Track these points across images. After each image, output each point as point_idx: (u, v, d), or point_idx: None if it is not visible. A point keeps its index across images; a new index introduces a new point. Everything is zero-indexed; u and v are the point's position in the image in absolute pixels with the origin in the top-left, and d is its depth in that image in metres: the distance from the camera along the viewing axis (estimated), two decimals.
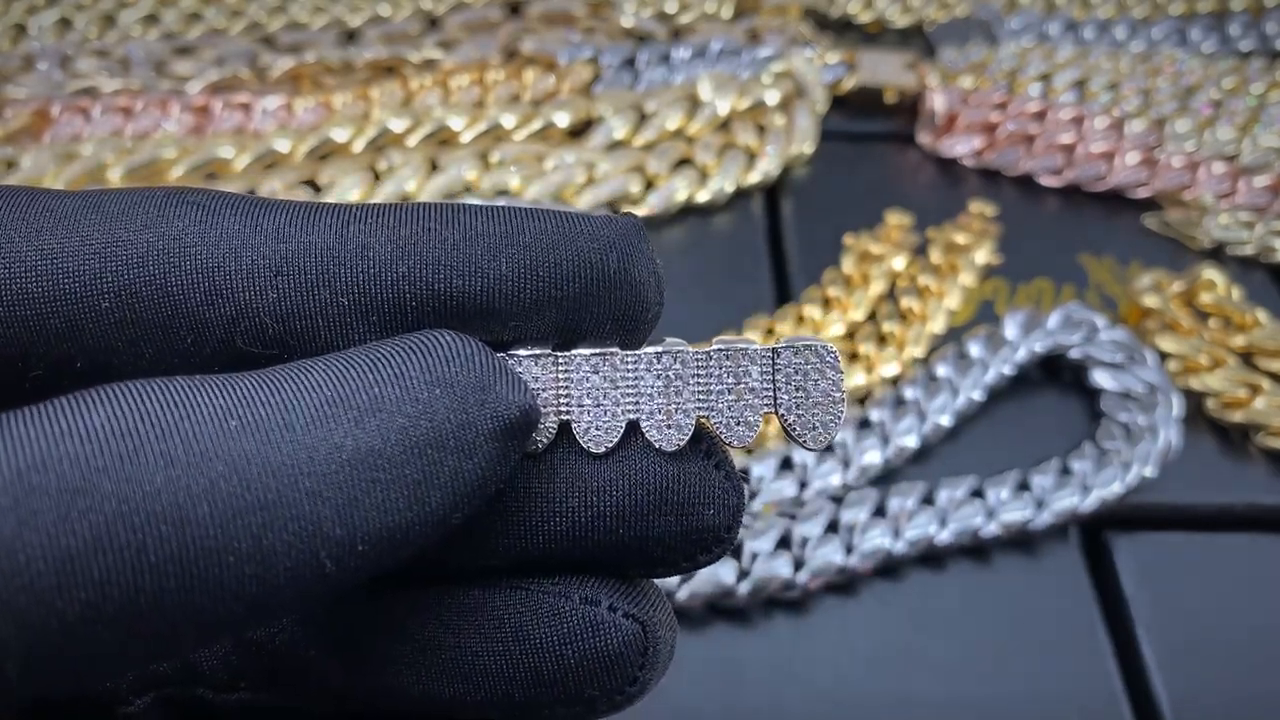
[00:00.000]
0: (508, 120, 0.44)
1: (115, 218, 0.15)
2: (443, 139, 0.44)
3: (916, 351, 0.39)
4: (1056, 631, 0.34)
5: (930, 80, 0.48)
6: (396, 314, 0.15)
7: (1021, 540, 0.36)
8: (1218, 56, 0.52)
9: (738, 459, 0.36)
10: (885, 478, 0.37)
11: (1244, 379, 0.39)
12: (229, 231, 0.15)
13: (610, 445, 0.15)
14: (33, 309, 0.14)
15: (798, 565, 0.33)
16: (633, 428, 0.16)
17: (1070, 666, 0.33)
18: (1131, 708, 0.33)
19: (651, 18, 0.50)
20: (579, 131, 0.46)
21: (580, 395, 0.15)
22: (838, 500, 0.35)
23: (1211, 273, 0.41)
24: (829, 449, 0.36)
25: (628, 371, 0.16)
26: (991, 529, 0.35)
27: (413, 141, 0.44)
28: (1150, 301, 0.41)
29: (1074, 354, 0.39)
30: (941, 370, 0.38)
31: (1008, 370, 0.38)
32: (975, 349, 0.39)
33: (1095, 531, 0.36)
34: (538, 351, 0.15)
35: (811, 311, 0.41)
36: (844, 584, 0.35)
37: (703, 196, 0.44)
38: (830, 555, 0.34)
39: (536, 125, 0.45)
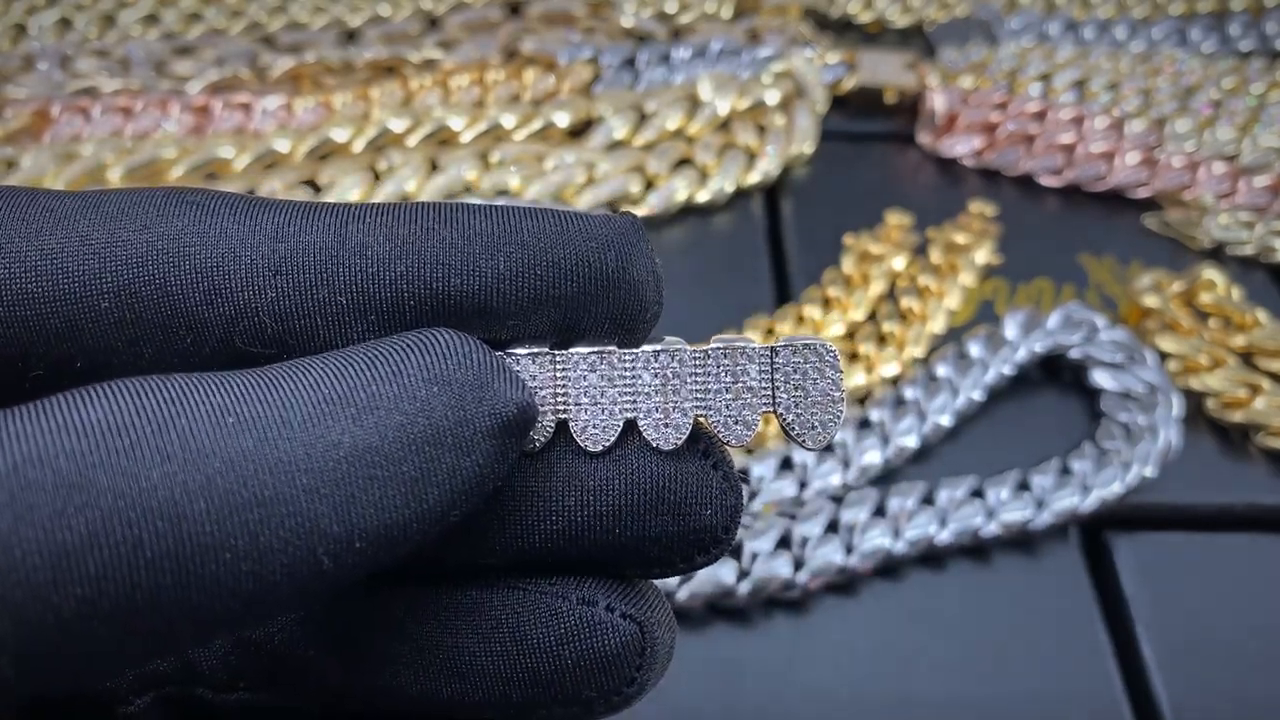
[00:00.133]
0: (508, 120, 0.44)
1: (115, 218, 0.15)
2: (443, 139, 0.44)
3: (916, 351, 0.39)
4: (1057, 631, 0.34)
5: (930, 80, 0.48)
6: (395, 313, 0.15)
7: (1021, 540, 0.36)
8: (1218, 56, 0.52)
9: (737, 459, 0.36)
10: (885, 478, 0.37)
11: (1244, 379, 0.38)
12: (228, 231, 0.15)
13: (607, 444, 0.15)
14: (33, 309, 0.14)
15: (798, 565, 0.33)
16: (630, 427, 0.16)
17: (1070, 666, 0.33)
18: (1131, 708, 0.33)
19: (651, 18, 0.50)
20: (579, 131, 0.46)
21: (578, 394, 0.15)
22: (838, 500, 0.35)
23: (1211, 273, 0.41)
24: (828, 449, 0.36)
25: (625, 370, 0.15)
26: (991, 529, 0.35)
27: (413, 141, 0.44)
28: (1150, 301, 0.41)
29: (1074, 354, 0.39)
30: (941, 370, 0.38)
31: (1008, 370, 0.38)
32: (975, 349, 0.39)
33: (1095, 531, 0.36)
34: (535, 350, 0.15)
35: (811, 311, 0.41)
36: (844, 584, 0.35)
37: (703, 196, 0.44)
38: (830, 555, 0.34)
39: (536, 125, 0.45)
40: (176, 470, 0.12)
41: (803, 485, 0.36)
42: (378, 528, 0.13)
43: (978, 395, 0.38)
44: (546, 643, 0.16)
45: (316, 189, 0.43)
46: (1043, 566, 0.35)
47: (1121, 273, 0.43)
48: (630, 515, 0.15)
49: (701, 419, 0.16)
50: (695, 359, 0.16)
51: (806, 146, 0.46)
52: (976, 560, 0.35)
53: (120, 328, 0.15)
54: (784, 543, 0.34)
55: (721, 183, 0.44)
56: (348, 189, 0.42)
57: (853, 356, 0.39)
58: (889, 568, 0.35)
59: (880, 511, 0.35)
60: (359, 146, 0.43)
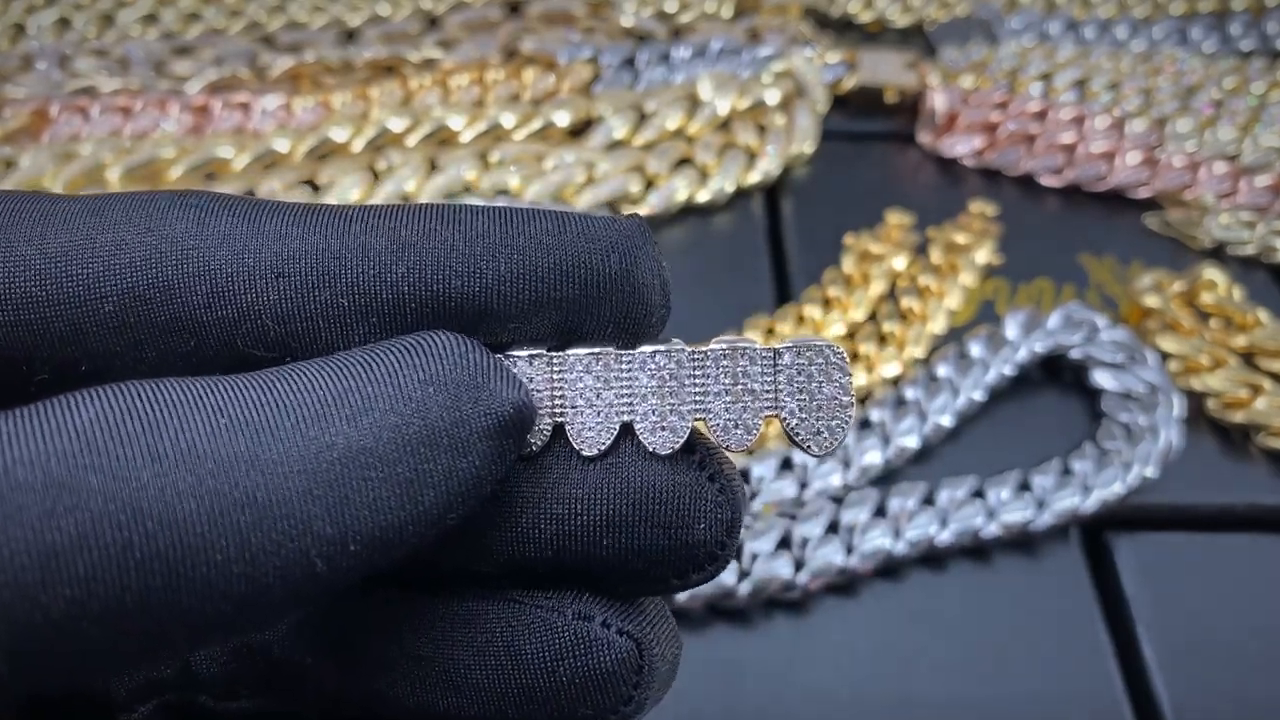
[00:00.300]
0: (507, 120, 0.44)
1: (118, 222, 0.15)
2: (442, 139, 0.44)
3: (917, 351, 0.39)
4: (1057, 632, 0.34)
5: (931, 80, 0.48)
6: (396, 315, 0.15)
7: (1022, 541, 0.36)
8: (1219, 56, 0.52)
9: (738, 460, 0.36)
10: (886, 478, 0.36)
11: (1245, 379, 0.38)
12: (231, 234, 0.15)
13: (603, 447, 0.15)
14: (37, 313, 0.14)
15: (798, 566, 0.33)
16: (628, 431, 0.15)
17: (1071, 667, 0.33)
18: (1132, 708, 0.33)
19: (651, 17, 0.50)
20: (579, 131, 0.46)
21: (574, 396, 0.15)
22: (838, 500, 0.35)
23: (1212, 273, 0.41)
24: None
25: (621, 371, 0.15)
26: (992, 529, 0.35)
27: (412, 141, 0.44)
28: (1151, 301, 0.40)
29: (1075, 354, 0.39)
30: (942, 370, 0.38)
31: (1008, 370, 0.38)
32: (976, 349, 0.38)
33: (1096, 532, 0.36)
34: (533, 352, 0.15)
35: (812, 311, 0.40)
36: (844, 584, 0.35)
37: (703, 196, 0.44)
38: (830, 556, 0.34)
39: (536, 125, 0.45)
40: (167, 471, 0.12)
41: (803, 486, 0.36)
42: (372, 530, 0.13)
43: (978, 395, 0.38)
44: (541, 659, 0.15)
45: (316, 189, 0.42)
46: (1043, 567, 0.35)
47: (1122, 273, 0.43)
48: (619, 527, 0.15)
49: (700, 422, 0.15)
50: (694, 360, 0.15)
51: (807, 146, 0.46)
52: (977, 561, 0.35)
53: (124, 331, 0.15)
54: (784, 543, 0.34)
55: (721, 182, 0.44)
56: (347, 189, 0.42)
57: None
58: (889, 568, 0.35)
59: (881, 512, 0.35)
60: (358, 146, 0.43)
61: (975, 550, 0.35)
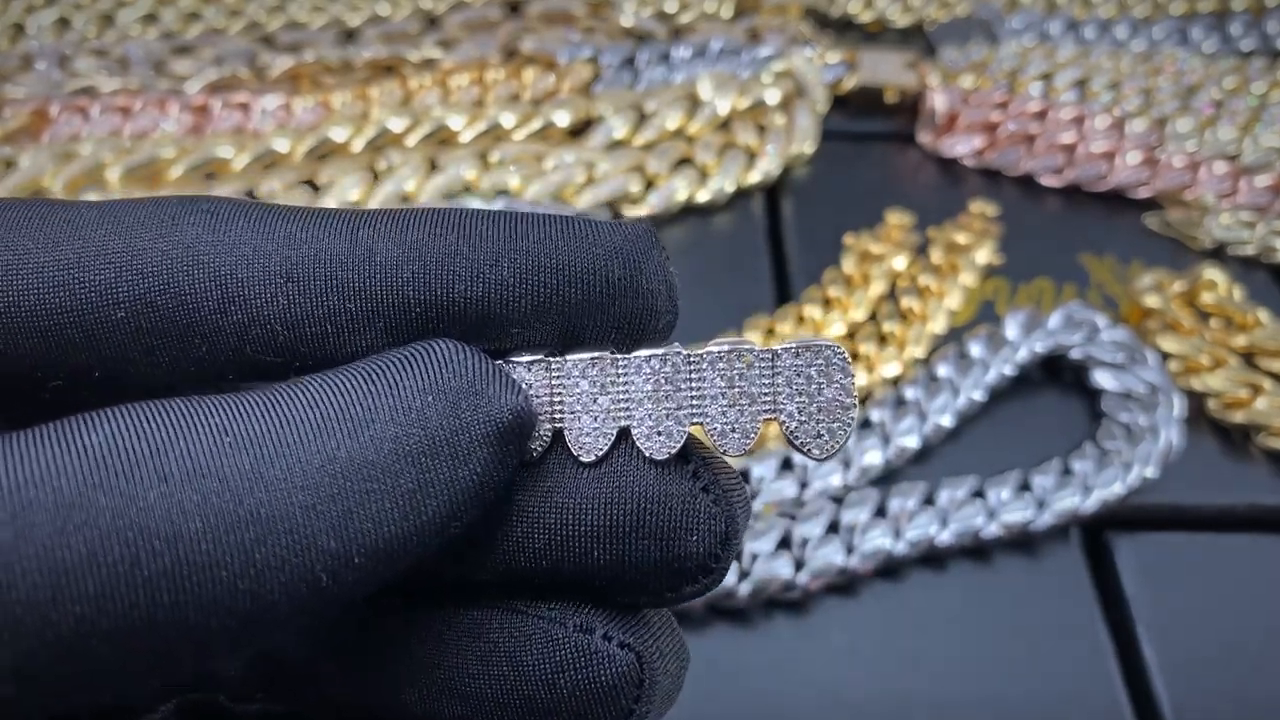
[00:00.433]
0: (507, 120, 0.44)
1: (130, 228, 0.15)
2: (442, 139, 0.44)
3: (917, 351, 0.39)
4: (1058, 632, 0.34)
5: (931, 80, 0.48)
6: (401, 319, 0.15)
7: (1022, 541, 0.36)
8: (1219, 56, 0.52)
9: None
10: (886, 478, 0.36)
11: (1245, 379, 0.38)
12: (241, 239, 0.15)
13: (600, 453, 0.15)
14: (51, 320, 0.14)
15: (798, 566, 0.33)
16: (626, 437, 0.15)
17: (1071, 667, 0.33)
18: (1133, 709, 0.33)
19: (651, 17, 0.50)
20: (579, 131, 0.45)
21: (571, 401, 0.15)
22: (838, 501, 0.35)
23: (1213, 273, 0.41)
24: None
25: (618, 376, 0.15)
26: (992, 529, 0.35)
27: (412, 141, 0.44)
28: (1151, 301, 0.40)
29: (1075, 354, 0.39)
30: (942, 370, 0.38)
31: (1009, 370, 0.38)
32: (976, 349, 0.38)
33: (1096, 532, 0.36)
34: (533, 357, 0.15)
35: (812, 311, 0.40)
36: (844, 585, 0.35)
37: (703, 196, 0.44)
38: (831, 556, 0.34)
39: (536, 125, 0.45)
40: (173, 490, 0.12)
41: (803, 486, 0.36)
42: (376, 542, 0.13)
43: (978, 395, 0.38)
44: (542, 670, 0.15)
45: (315, 189, 0.42)
46: (1044, 567, 0.35)
47: (1122, 272, 0.43)
48: (610, 537, 0.15)
49: (696, 427, 0.15)
50: (690, 364, 0.15)
51: (807, 146, 0.46)
52: (977, 561, 0.35)
53: (137, 337, 0.15)
54: (784, 543, 0.34)
55: (721, 182, 0.44)
56: (347, 189, 0.42)
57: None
58: (890, 568, 0.35)
59: (881, 512, 0.35)
60: (358, 146, 0.43)
61: (975, 550, 0.35)
